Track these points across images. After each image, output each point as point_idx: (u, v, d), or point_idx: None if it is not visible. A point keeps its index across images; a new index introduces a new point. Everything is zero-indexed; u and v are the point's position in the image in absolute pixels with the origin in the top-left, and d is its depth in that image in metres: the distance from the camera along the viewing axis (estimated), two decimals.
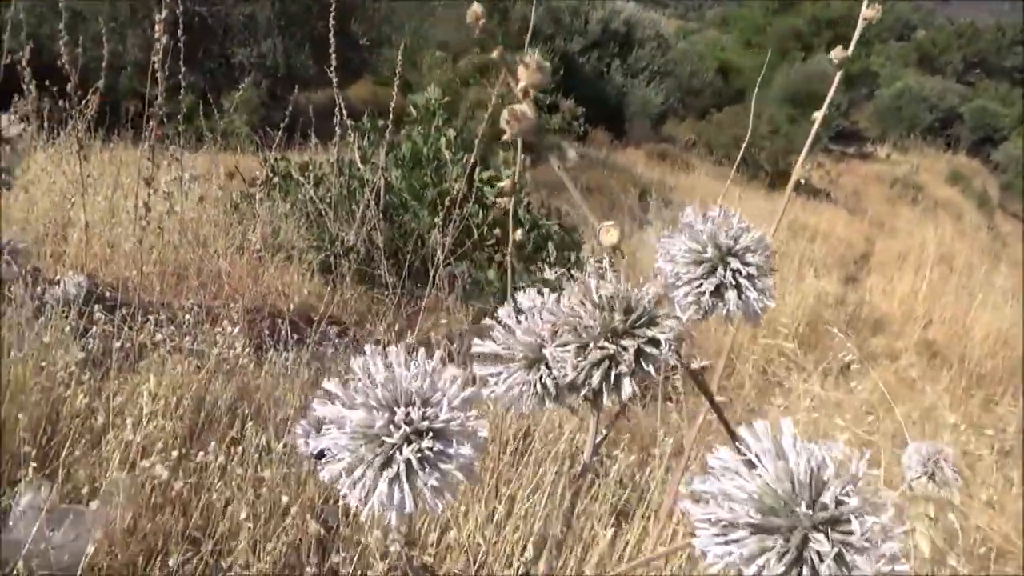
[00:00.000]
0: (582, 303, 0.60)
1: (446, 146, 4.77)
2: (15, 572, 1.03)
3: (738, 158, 4.84)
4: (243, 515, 1.18)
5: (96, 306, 2.03)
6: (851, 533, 0.45)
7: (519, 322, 0.65)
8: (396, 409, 0.52)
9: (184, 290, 2.97)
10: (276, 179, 4.82)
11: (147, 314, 2.25)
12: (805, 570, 0.45)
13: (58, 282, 2.24)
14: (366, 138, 4.89)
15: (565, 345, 0.60)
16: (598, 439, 0.69)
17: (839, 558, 0.45)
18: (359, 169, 4.51)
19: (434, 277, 4.14)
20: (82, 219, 3.24)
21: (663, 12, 23.26)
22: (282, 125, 4.13)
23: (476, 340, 0.65)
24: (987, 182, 18.47)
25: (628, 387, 0.59)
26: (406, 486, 0.52)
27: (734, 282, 0.65)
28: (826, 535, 0.45)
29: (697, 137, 15.93)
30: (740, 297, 0.65)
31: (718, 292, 0.66)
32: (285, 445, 1.39)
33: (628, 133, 15.10)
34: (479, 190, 4.48)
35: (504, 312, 0.66)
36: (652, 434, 2.84)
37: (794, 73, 17.05)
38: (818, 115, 0.86)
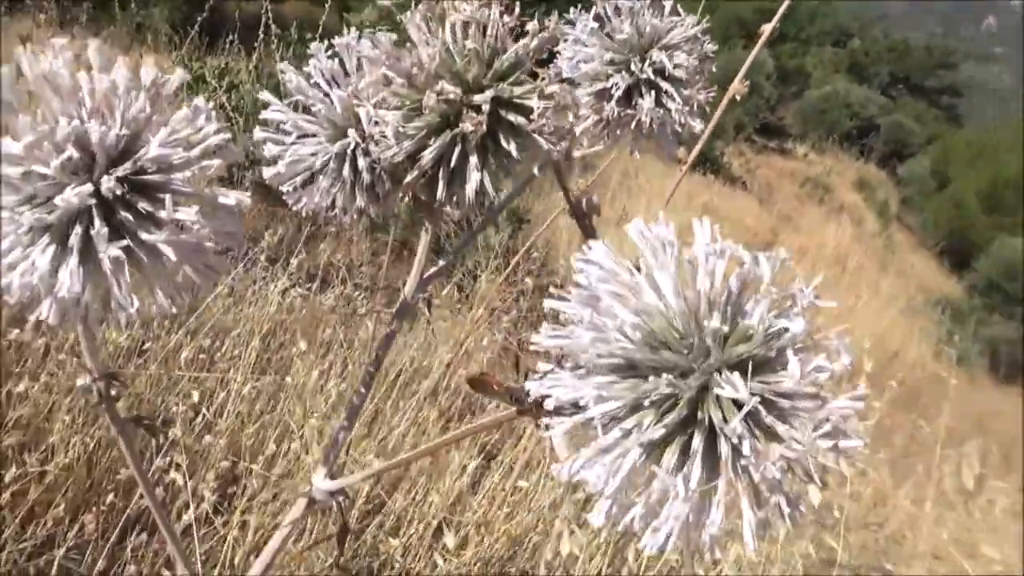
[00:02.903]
0: (426, 42, 0.38)
1: None
2: None
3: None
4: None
5: None
6: (781, 380, 0.25)
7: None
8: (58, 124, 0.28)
9: None
10: (188, 80, 4.59)
11: None
12: (698, 439, 0.24)
13: None
14: (291, 51, 4.72)
15: (391, 104, 0.36)
16: (431, 271, 0.45)
17: (758, 423, 0.24)
18: (279, 80, 4.34)
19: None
20: None
21: None
22: (199, 19, 3.90)
23: (262, 96, 0.42)
24: (890, 193, 19.49)
25: (476, 175, 0.36)
26: (74, 258, 0.28)
27: (650, 80, 0.44)
28: (742, 377, 0.24)
29: None
30: (658, 104, 0.45)
31: (629, 97, 0.45)
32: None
33: None
34: None
35: (316, 49, 0.38)
36: None
37: (731, 60, 17.34)
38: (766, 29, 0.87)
